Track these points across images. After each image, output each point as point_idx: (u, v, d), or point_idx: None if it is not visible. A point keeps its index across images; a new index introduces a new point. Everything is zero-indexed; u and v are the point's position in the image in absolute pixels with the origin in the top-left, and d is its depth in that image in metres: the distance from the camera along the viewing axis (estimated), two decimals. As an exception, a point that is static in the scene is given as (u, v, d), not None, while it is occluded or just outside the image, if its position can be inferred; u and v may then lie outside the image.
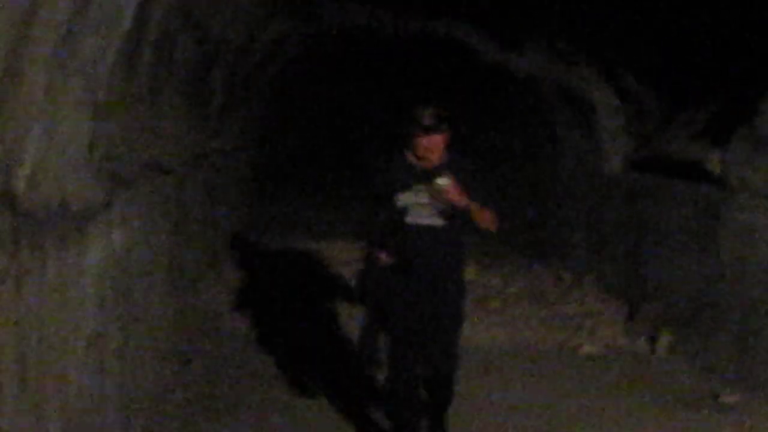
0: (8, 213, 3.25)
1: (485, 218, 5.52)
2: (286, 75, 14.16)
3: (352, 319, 8.68)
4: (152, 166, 6.07)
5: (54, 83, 3.53)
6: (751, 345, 7.37)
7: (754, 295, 7.36)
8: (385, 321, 5.71)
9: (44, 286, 3.65)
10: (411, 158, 5.61)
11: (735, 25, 7.54)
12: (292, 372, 7.31)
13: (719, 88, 8.25)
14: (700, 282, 8.22)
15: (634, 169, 9.87)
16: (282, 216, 15.53)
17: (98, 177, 4.41)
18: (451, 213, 5.48)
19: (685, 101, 8.91)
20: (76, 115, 3.87)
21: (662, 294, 9.03)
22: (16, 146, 3.30)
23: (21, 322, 3.43)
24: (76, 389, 4.24)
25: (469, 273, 9.29)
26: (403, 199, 5.56)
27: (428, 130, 5.45)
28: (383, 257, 5.54)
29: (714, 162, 7.77)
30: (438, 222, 5.55)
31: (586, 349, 8.60)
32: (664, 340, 8.55)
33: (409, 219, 5.55)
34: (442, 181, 5.35)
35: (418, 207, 5.53)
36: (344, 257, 11.19)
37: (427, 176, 5.48)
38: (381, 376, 6.04)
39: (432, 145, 5.48)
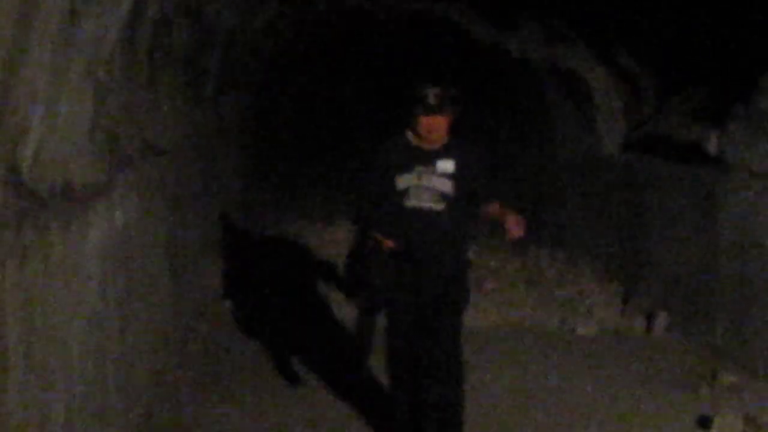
0: (13, 193, 3.23)
1: (517, 225, 5.24)
2: (279, 58, 14.11)
3: (346, 304, 8.71)
4: (151, 148, 6.06)
5: (58, 63, 3.52)
6: (749, 325, 7.39)
7: (752, 275, 7.37)
8: (381, 308, 5.56)
9: (48, 266, 3.64)
10: (412, 139, 5.42)
11: (732, 4, 7.52)
12: (282, 360, 7.24)
13: (716, 68, 8.24)
14: (697, 262, 8.23)
15: (631, 149, 9.87)
16: (277, 198, 15.51)
17: (100, 157, 4.39)
18: (454, 196, 5.33)
19: (682, 82, 8.91)
20: (78, 95, 3.86)
21: (659, 275, 9.05)
22: (20, 126, 3.29)
23: (26, 303, 3.42)
24: (79, 370, 4.23)
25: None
26: (403, 181, 5.36)
27: (432, 110, 5.24)
28: (387, 243, 5.37)
29: (712, 142, 7.77)
30: (440, 206, 5.34)
31: (583, 330, 8.62)
32: (661, 320, 8.57)
33: (409, 202, 5.35)
34: (445, 165, 5.26)
35: (419, 190, 5.34)
36: (340, 238, 11.19)
37: (428, 158, 5.34)
38: (375, 363, 6.00)
39: (434, 126, 5.28)
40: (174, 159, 7.24)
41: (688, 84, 8.83)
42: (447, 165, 5.31)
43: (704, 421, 6.22)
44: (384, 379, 5.90)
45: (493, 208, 5.43)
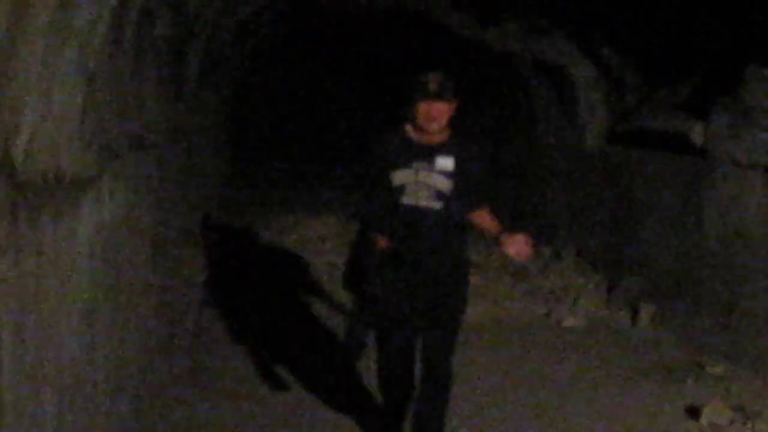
0: (7, 183, 3.19)
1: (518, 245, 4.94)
2: (261, 52, 14.08)
3: (335, 298, 8.70)
4: (136, 140, 6.01)
5: (50, 53, 3.48)
6: (735, 316, 7.42)
7: (738, 266, 7.39)
8: (375, 309, 5.27)
9: (41, 257, 3.60)
10: (411, 132, 5.15)
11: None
12: (265, 364, 7.11)
13: (700, 60, 8.26)
14: (682, 254, 8.26)
15: (616, 142, 9.88)
16: (259, 192, 15.46)
17: (90, 149, 4.35)
18: (452, 195, 5.07)
19: (666, 75, 8.92)
20: (70, 85, 3.82)
21: (643, 267, 9.07)
22: (14, 115, 3.25)
23: (20, 296, 3.38)
24: (70, 362, 4.19)
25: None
26: (400, 177, 5.08)
27: (432, 97, 4.98)
28: (382, 243, 5.13)
29: (697, 133, 7.79)
30: (438, 204, 5.07)
31: (569, 322, 8.63)
32: (646, 312, 8.59)
33: (406, 200, 5.07)
34: (444, 162, 5.02)
35: (416, 186, 5.06)
36: (325, 232, 11.18)
37: (427, 153, 5.09)
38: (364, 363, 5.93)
39: (435, 114, 5.00)
40: (158, 153, 7.20)
41: (671, 76, 8.84)
42: (447, 162, 5.05)
43: (693, 411, 6.24)
44: (373, 381, 5.72)
45: (482, 218, 5.19)
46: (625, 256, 9.51)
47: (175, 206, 8.29)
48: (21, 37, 3.21)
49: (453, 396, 5.46)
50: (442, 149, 5.11)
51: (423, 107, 5.02)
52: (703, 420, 6.08)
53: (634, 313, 8.66)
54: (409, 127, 5.16)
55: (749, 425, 6.00)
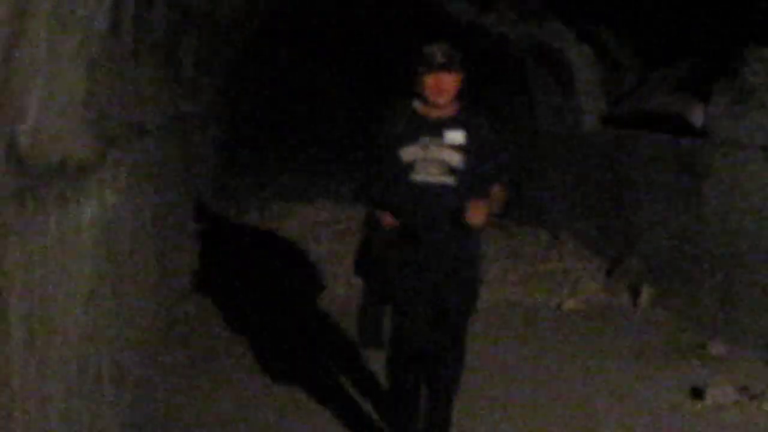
0: (14, 169, 3.18)
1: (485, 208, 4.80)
2: (255, 40, 14.03)
3: (328, 282, 8.70)
4: (137, 127, 6.00)
5: (54, 39, 3.47)
6: (735, 296, 7.41)
7: (738, 247, 7.39)
8: (386, 294, 5.10)
9: (47, 243, 3.59)
10: (418, 107, 4.99)
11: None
12: (262, 352, 7.08)
13: (699, 41, 8.24)
14: (682, 235, 8.25)
15: (614, 125, 9.86)
16: (256, 179, 15.42)
17: (91, 135, 4.34)
18: (465, 170, 4.90)
19: (664, 56, 8.90)
20: (73, 71, 3.81)
21: (643, 248, 9.06)
22: (20, 101, 3.24)
23: (27, 282, 3.37)
24: (76, 352, 4.18)
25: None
26: (409, 154, 4.91)
27: (439, 68, 4.84)
28: (387, 220, 4.97)
29: (696, 114, 7.77)
30: (450, 179, 4.90)
31: (569, 304, 8.63)
32: (646, 294, 8.59)
33: (417, 176, 4.91)
34: (454, 135, 4.88)
35: (427, 162, 4.90)
36: (321, 219, 11.15)
37: (436, 127, 4.93)
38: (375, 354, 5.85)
39: (443, 85, 4.86)
40: (157, 140, 7.19)
41: (669, 57, 8.82)
42: (456, 136, 4.89)
43: (697, 392, 6.25)
44: (383, 369, 5.50)
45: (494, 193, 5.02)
46: (624, 238, 9.50)
47: (174, 193, 8.28)
48: (25, 25, 3.20)
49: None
50: (451, 123, 4.96)
51: (431, 80, 4.89)
52: (708, 400, 6.08)
53: (635, 295, 8.66)
54: (416, 102, 5.02)
55: (754, 405, 6.01)
